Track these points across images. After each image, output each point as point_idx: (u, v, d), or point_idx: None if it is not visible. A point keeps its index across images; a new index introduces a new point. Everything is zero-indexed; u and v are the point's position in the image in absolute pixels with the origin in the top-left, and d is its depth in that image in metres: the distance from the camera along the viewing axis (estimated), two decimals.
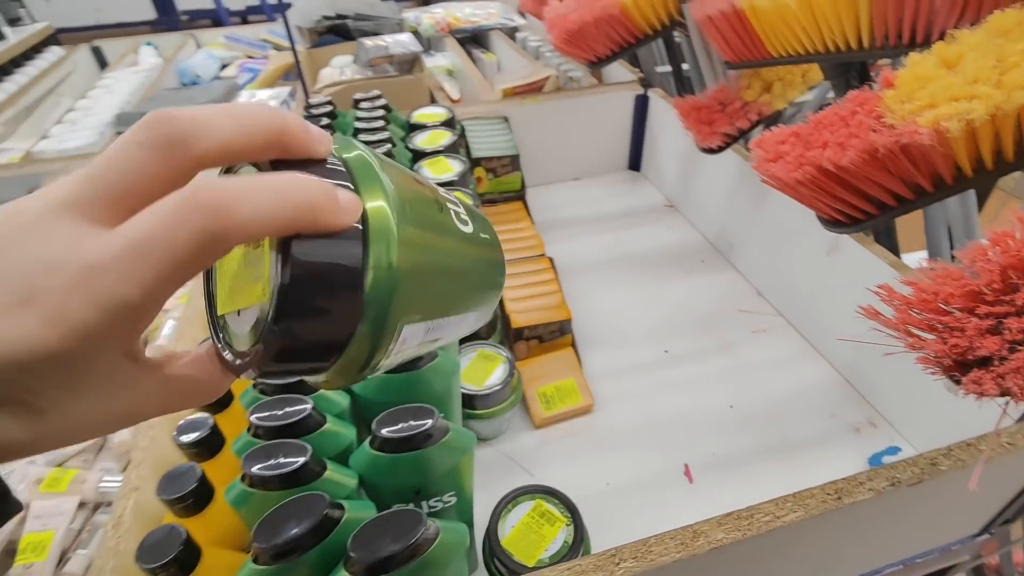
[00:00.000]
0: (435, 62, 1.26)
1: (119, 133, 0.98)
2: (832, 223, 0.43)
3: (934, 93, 0.33)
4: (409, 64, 1.09)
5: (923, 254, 0.74)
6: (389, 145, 0.73)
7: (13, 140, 1.08)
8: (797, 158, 0.37)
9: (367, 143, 0.74)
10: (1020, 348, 0.30)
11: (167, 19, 2.95)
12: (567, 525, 0.46)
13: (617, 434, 0.63)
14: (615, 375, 0.70)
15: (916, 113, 0.33)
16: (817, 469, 0.59)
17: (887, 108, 0.35)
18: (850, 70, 0.53)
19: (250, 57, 1.46)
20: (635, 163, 1.13)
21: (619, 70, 1.13)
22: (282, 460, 0.36)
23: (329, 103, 0.86)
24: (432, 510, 0.42)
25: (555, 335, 0.69)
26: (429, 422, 0.37)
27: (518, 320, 0.67)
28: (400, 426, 0.37)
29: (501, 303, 0.71)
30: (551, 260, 0.77)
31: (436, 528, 0.33)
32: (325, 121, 0.81)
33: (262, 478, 0.35)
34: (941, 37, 0.36)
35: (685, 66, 1.12)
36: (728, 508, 0.55)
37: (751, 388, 0.68)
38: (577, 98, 1.03)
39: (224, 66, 1.41)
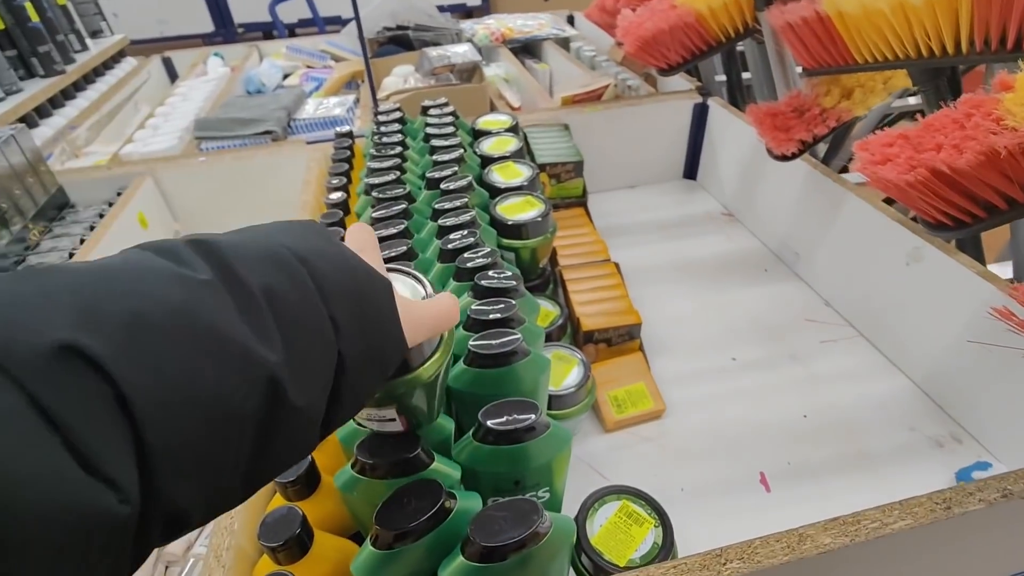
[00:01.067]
0: (491, 71, 1.28)
1: (197, 138, 1.03)
2: (937, 227, 0.42)
3: None
4: (469, 73, 1.11)
5: (1005, 265, 0.71)
6: (461, 150, 0.75)
7: (97, 144, 1.15)
8: (907, 160, 0.37)
9: (439, 148, 0.76)
10: None
11: (225, 31, 3.07)
12: (655, 527, 0.46)
13: (689, 440, 0.63)
14: (683, 381, 0.70)
15: None
16: (899, 483, 0.57)
17: (1007, 111, 0.34)
18: (940, 76, 0.53)
19: (309, 67, 1.51)
20: (691, 172, 1.13)
21: (676, 79, 1.14)
22: (393, 449, 0.37)
23: (398, 110, 0.89)
24: None
25: (624, 339, 0.69)
26: (532, 416, 0.38)
27: (588, 323, 0.67)
28: (505, 419, 0.38)
29: (570, 305, 0.72)
30: (616, 265, 0.78)
31: (550, 519, 0.33)
32: (396, 127, 0.84)
33: (374, 466, 0.37)
34: None
35: (746, 75, 1.12)
36: (807, 520, 0.55)
37: (824, 398, 0.67)
38: (636, 106, 1.03)
39: (286, 75, 1.46)
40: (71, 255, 0.78)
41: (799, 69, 0.66)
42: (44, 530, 0.16)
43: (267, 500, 0.46)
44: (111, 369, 0.18)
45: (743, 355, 0.73)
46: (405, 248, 0.55)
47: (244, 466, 0.22)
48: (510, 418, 0.38)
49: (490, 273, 0.52)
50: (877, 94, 0.62)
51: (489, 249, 0.55)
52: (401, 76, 1.12)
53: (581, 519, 0.46)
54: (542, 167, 0.88)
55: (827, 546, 0.36)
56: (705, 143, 1.08)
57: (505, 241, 0.67)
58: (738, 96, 1.11)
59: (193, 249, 0.22)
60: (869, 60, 0.55)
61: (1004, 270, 0.69)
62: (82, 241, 0.81)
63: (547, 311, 0.68)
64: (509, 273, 0.52)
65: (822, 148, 0.94)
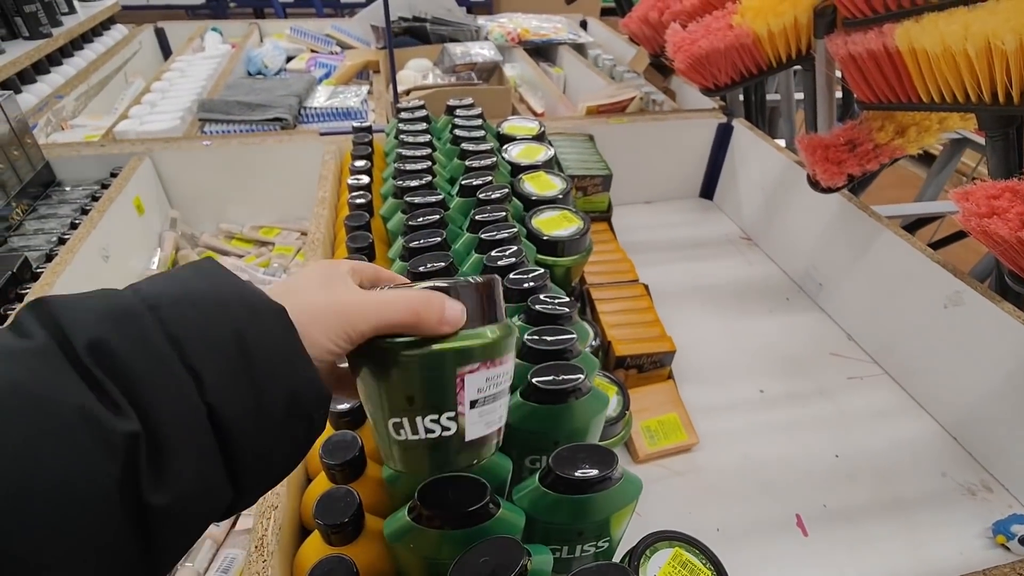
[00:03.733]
0: (507, 72, 1.24)
1: (201, 120, 0.97)
2: None
3: None
4: (489, 73, 1.07)
5: None
6: (492, 158, 0.71)
7: (85, 116, 1.07)
8: (1019, 215, 0.35)
9: (471, 153, 0.72)
10: None
11: (215, 4, 2.94)
12: None
13: (723, 477, 0.61)
14: (711, 411, 0.68)
15: None
16: (937, 532, 0.56)
17: None
18: (1012, 123, 0.52)
19: (314, 51, 1.45)
20: (708, 191, 1.11)
21: (698, 97, 1.12)
22: (458, 496, 0.33)
23: (423, 107, 0.84)
24: (584, 554, 0.40)
25: (655, 366, 0.67)
26: (612, 468, 0.35)
27: (621, 349, 0.65)
28: (582, 469, 0.35)
29: (600, 327, 0.69)
30: (646, 287, 0.75)
31: None
32: (422, 125, 0.79)
33: (437, 514, 0.33)
34: None
35: (774, 96, 1.11)
36: (849, 570, 0.53)
37: (855, 438, 0.66)
38: (662, 122, 1.01)
39: (289, 58, 1.39)
40: (61, 240, 0.72)
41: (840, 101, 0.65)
42: None
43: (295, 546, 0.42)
44: None
45: (770, 387, 0.72)
46: (445, 264, 0.52)
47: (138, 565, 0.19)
48: (585, 467, 0.35)
49: (542, 297, 0.49)
50: (932, 133, 0.61)
51: (539, 271, 0.52)
52: (417, 71, 1.08)
53: (634, 567, 0.43)
54: (570, 177, 0.85)
55: None
56: (726, 164, 1.06)
57: (539, 257, 0.63)
58: (758, 119, 1.10)
59: (31, 312, 0.20)
60: (936, 100, 0.53)
61: None
62: (73, 225, 0.74)
63: (583, 331, 0.65)
64: (563, 298, 0.49)
65: None
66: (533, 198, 0.68)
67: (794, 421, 0.67)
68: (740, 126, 1.01)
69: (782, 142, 0.96)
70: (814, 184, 0.68)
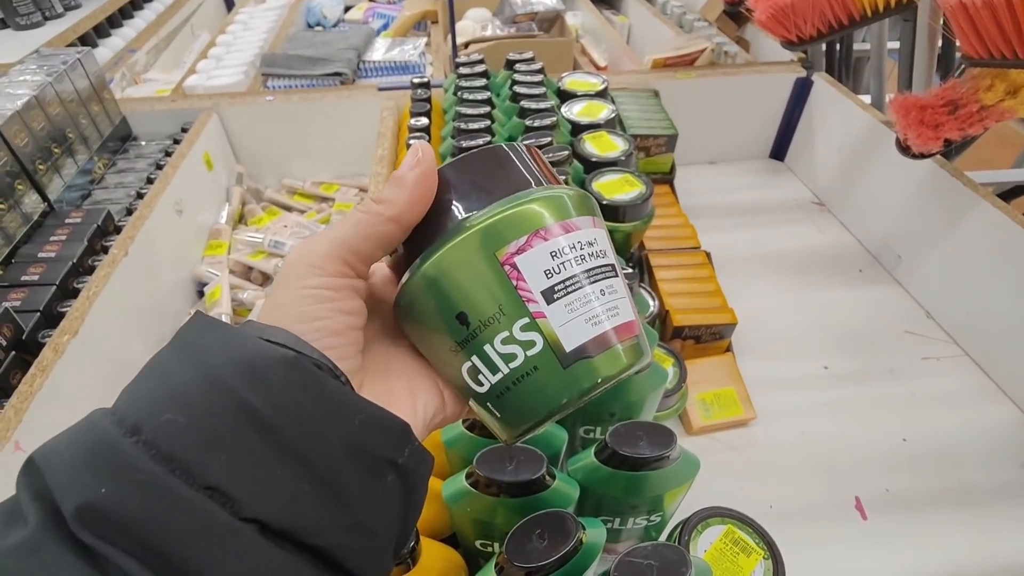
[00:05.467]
0: (570, 22, 1.19)
1: (264, 75, 0.98)
2: None
3: None
4: (550, 23, 1.03)
5: None
6: (553, 117, 0.69)
7: (156, 71, 1.10)
8: None
9: (531, 111, 0.70)
10: None
11: None
12: (765, 558, 0.43)
13: (778, 453, 0.60)
14: (771, 387, 0.65)
15: None
16: (1007, 525, 0.53)
17: None
18: None
19: (372, 0, 1.43)
20: (779, 152, 1.05)
21: (774, 47, 1.03)
22: (516, 467, 0.34)
23: (482, 62, 0.82)
24: (635, 526, 0.40)
25: (714, 337, 0.65)
26: (669, 447, 0.35)
27: (680, 319, 0.63)
28: (639, 446, 0.35)
29: (658, 294, 0.67)
30: (707, 254, 0.73)
31: (693, 569, 0.30)
32: (482, 81, 0.77)
33: (494, 482, 0.34)
34: None
35: (862, 45, 1.01)
36: (908, 557, 0.52)
37: (925, 422, 0.62)
38: (734, 76, 0.95)
39: (348, 8, 1.38)
40: (139, 195, 0.75)
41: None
42: None
43: None
44: None
45: (835, 364, 0.69)
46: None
47: None
48: (643, 445, 0.35)
49: None
50: None
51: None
52: (476, 21, 1.04)
53: (684, 542, 0.43)
54: (632, 138, 0.82)
55: None
56: (801, 122, 0.99)
57: None
58: (842, 72, 1.01)
59: (24, 478, 0.17)
60: None
61: None
62: (149, 180, 0.78)
63: (643, 302, 0.63)
64: (625, 269, 0.48)
65: None
66: (594, 159, 0.66)
67: (859, 400, 0.64)
68: (821, 81, 0.94)
69: (867, 98, 0.88)
70: (904, 149, 0.63)
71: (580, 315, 0.20)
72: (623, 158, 0.67)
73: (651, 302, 0.61)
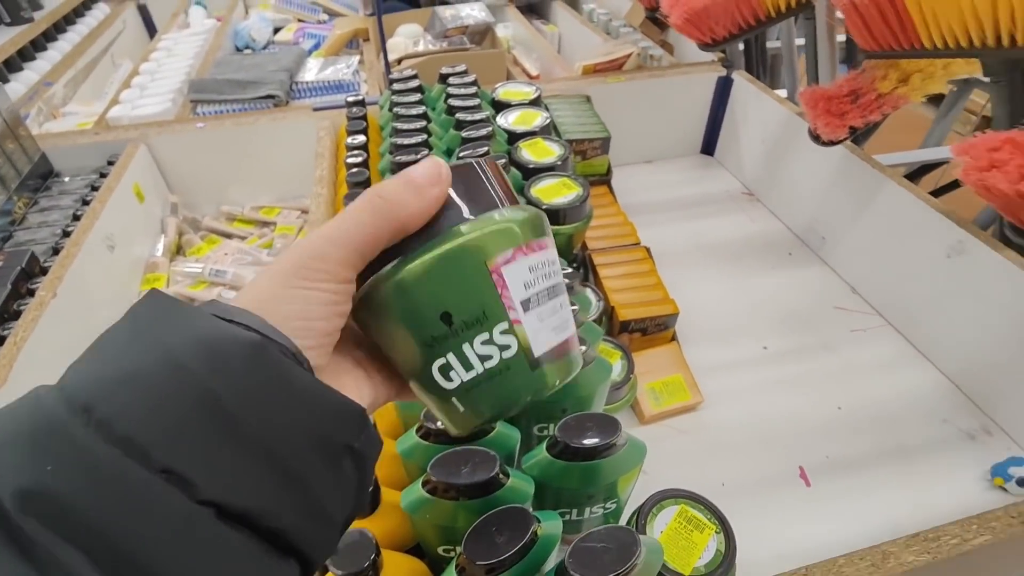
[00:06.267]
0: (500, 33, 1.21)
1: (193, 101, 0.96)
2: None
3: None
4: (481, 36, 1.05)
5: None
6: (489, 127, 0.71)
7: (75, 103, 1.06)
8: (1018, 168, 0.35)
9: (467, 123, 0.71)
10: None
11: None
12: (716, 532, 0.45)
13: (727, 433, 0.62)
14: (716, 371, 0.69)
15: None
16: (936, 477, 0.58)
17: None
18: (1018, 66, 0.50)
19: (301, 21, 1.41)
20: (709, 148, 1.10)
21: (696, 50, 1.09)
22: (471, 469, 0.35)
23: (415, 77, 0.83)
24: (592, 515, 0.42)
25: (659, 328, 0.68)
26: (615, 434, 0.36)
27: (625, 313, 0.65)
28: (586, 436, 0.36)
29: (603, 292, 0.69)
30: (647, 250, 0.75)
31: (645, 548, 0.32)
32: (416, 96, 0.78)
33: (451, 486, 0.34)
34: None
35: (775, 43, 1.08)
36: (849, 516, 0.55)
37: (857, 390, 0.67)
38: (660, 78, 0.99)
39: (277, 29, 1.36)
40: (66, 233, 0.72)
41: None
42: None
43: None
44: None
45: (774, 344, 0.73)
46: None
47: None
48: (591, 435, 0.36)
49: None
50: (936, 80, 0.60)
51: None
52: (408, 37, 1.05)
53: (641, 526, 0.45)
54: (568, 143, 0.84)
55: (911, 564, 0.35)
56: (726, 118, 1.04)
57: None
58: (760, 69, 1.07)
59: None
60: (940, 46, 0.52)
61: None
62: (76, 217, 0.75)
63: (586, 300, 0.65)
64: (566, 269, 0.50)
65: None
66: (531, 166, 0.68)
67: (797, 376, 0.68)
68: (740, 79, 0.99)
69: (783, 92, 0.93)
70: (815, 138, 0.67)
71: (547, 325, 0.23)
72: (560, 163, 0.69)
73: (595, 301, 0.63)
